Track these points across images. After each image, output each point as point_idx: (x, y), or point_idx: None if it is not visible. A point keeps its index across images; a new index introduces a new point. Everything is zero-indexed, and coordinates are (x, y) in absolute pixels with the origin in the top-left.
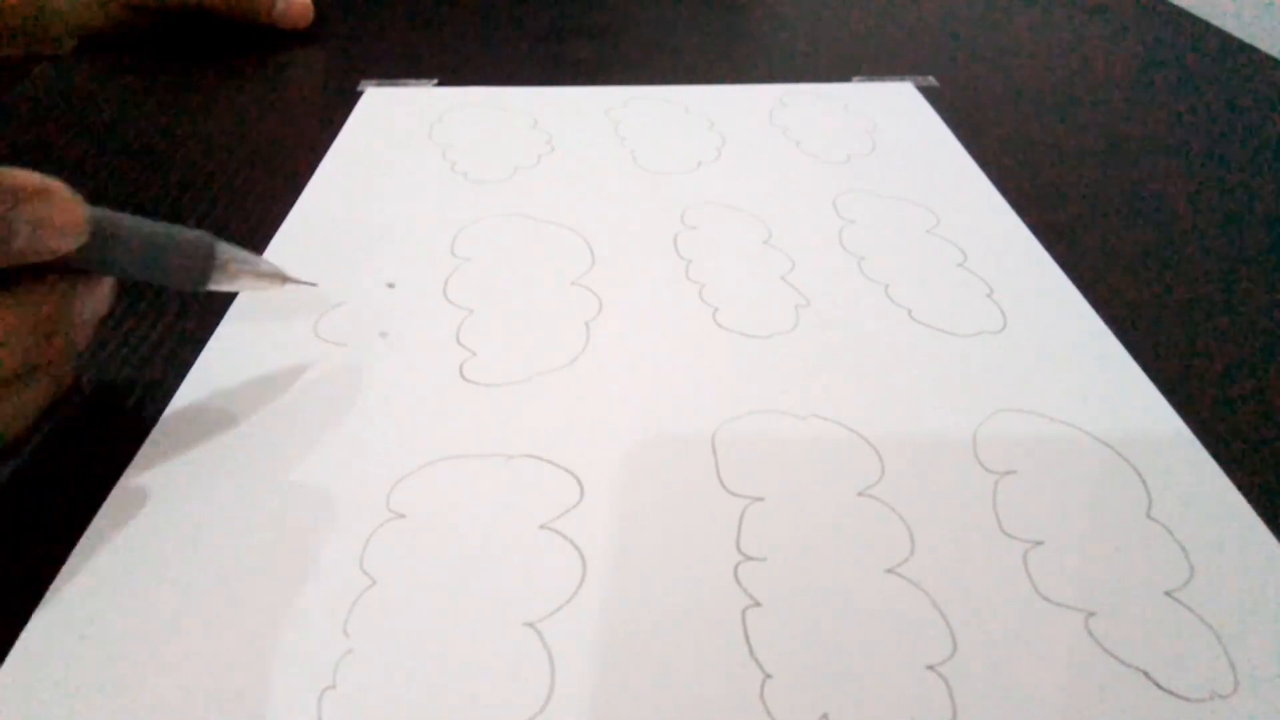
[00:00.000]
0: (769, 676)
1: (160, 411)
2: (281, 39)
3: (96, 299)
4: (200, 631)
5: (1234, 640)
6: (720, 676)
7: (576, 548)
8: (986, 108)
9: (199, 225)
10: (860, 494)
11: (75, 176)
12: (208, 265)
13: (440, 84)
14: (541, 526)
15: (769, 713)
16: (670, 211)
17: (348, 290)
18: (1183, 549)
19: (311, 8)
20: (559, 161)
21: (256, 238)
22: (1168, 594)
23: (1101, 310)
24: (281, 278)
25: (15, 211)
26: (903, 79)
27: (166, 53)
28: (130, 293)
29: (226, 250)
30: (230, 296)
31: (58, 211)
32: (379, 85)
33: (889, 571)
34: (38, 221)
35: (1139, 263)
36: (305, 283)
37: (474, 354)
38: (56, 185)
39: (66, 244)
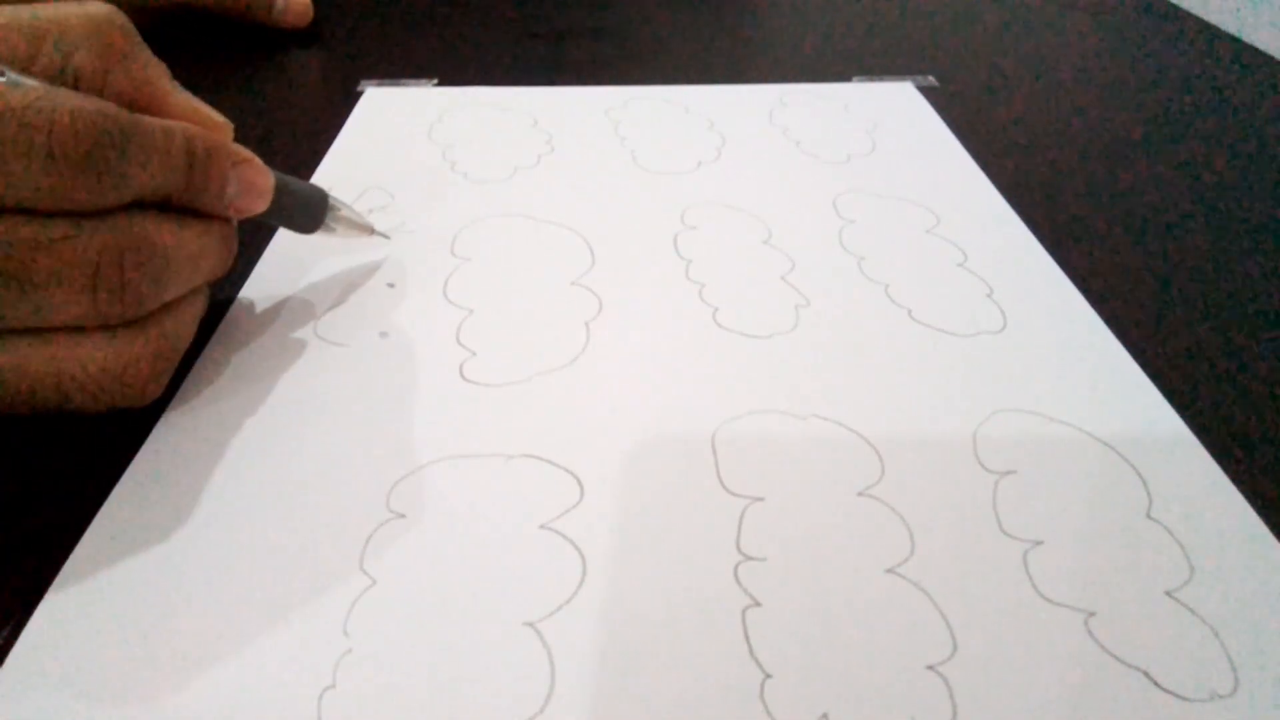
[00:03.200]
0: (769, 676)
1: (160, 411)
2: (281, 39)
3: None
4: (200, 631)
5: (1234, 640)
6: (720, 676)
7: (576, 548)
8: (986, 108)
9: None
10: (860, 494)
11: None
12: (322, 212)
13: (440, 84)
14: (541, 526)
15: (769, 713)
16: (670, 211)
17: (348, 290)
18: (1183, 549)
19: (311, 7)
20: (559, 161)
21: (257, 237)
22: (1168, 594)
23: (1101, 310)
24: (370, 229)
25: (235, 171)
26: (903, 79)
27: (166, 53)
28: None
29: (335, 201)
30: (230, 295)
31: (259, 177)
32: (379, 85)
33: (889, 571)
34: (246, 185)
35: (1139, 263)
36: (381, 234)
37: (474, 354)
38: (253, 155)
39: (260, 206)
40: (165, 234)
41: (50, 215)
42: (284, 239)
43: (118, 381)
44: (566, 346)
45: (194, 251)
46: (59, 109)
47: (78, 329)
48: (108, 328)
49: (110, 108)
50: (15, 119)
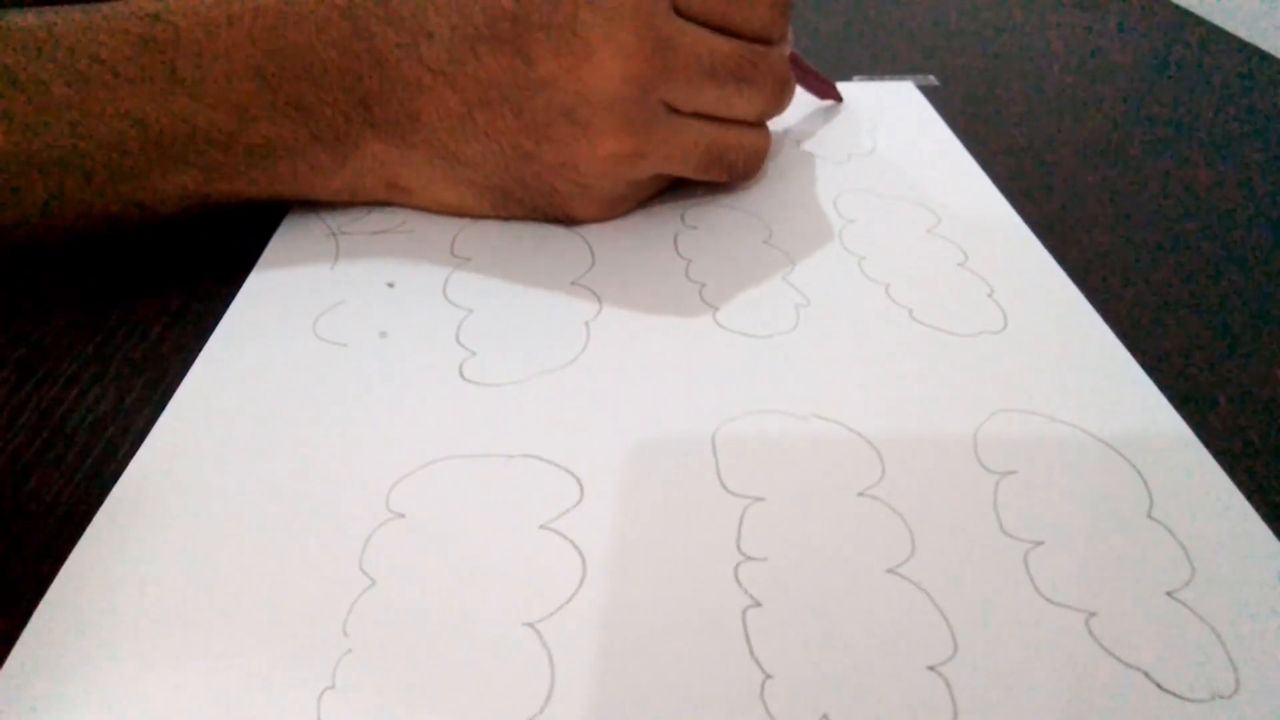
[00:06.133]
0: (769, 676)
1: (159, 411)
2: None
3: None
4: (200, 631)
5: (1235, 640)
6: (720, 676)
7: (576, 548)
8: (986, 108)
9: (197, 226)
10: (860, 494)
11: None
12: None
13: None
14: (541, 526)
15: (769, 713)
16: (670, 211)
17: (347, 290)
18: (1183, 549)
19: None
20: None
21: (256, 238)
22: (1169, 594)
23: (1101, 310)
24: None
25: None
26: (903, 79)
27: None
28: (129, 291)
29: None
30: (230, 295)
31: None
32: None
33: (889, 571)
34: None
35: (1139, 263)
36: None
37: (474, 354)
38: None
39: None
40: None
41: (752, 41)
42: (283, 240)
43: (757, 156)
44: (566, 346)
45: (794, 81)
46: None
47: (744, 122)
48: (757, 125)
49: None
50: None
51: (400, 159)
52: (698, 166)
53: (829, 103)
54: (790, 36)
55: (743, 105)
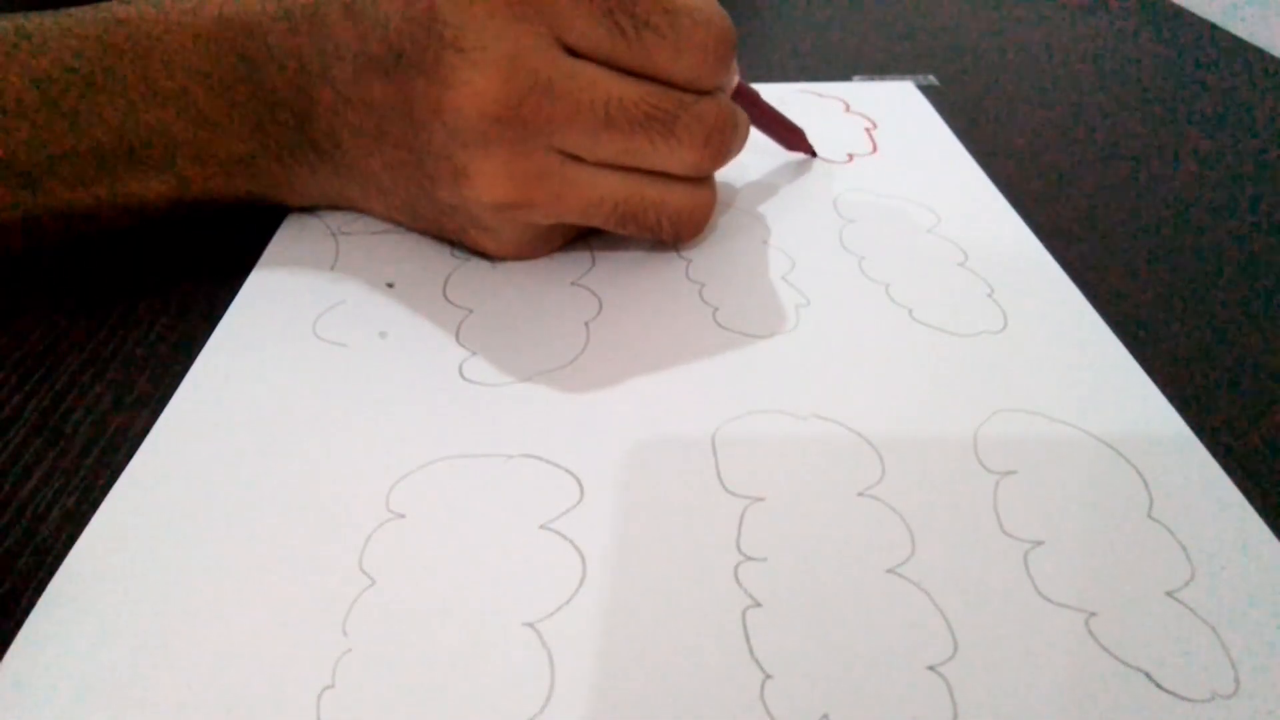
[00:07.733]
0: (769, 676)
1: (159, 411)
2: None
3: None
4: (199, 630)
5: (1235, 640)
6: (720, 676)
7: (576, 548)
8: (986, 108)
9: (197, 226)
10: (860, 494)
11: None
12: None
13: None
14: (541, 526)
15: (769, 713)
16: None
17: (347, 290)
18: (1184, 549)
19: None
20: None
21: (257, 237)
22: (1169, 594)
23: (1101, 310)
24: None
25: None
26: (903, 79)
27: None
28: (129, 290)
29: None
30: (230, 295)
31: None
32: None
33: (889, 571)
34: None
35: (1139, 263)
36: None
37: (474, 354)
38: None
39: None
40: (737, 111)
41: (684, 90)
42: (283, 240)
43: (690, 217)
44: (566, 346)
45: (745, 129)
46: (722, 16)
47: (672, 177)
48: (693, 180)
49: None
50: (697, 19)
51: (340, 180)
52: (608, 222)
53: (799, 156)
54: (734, 72)
55: (662, 159)
